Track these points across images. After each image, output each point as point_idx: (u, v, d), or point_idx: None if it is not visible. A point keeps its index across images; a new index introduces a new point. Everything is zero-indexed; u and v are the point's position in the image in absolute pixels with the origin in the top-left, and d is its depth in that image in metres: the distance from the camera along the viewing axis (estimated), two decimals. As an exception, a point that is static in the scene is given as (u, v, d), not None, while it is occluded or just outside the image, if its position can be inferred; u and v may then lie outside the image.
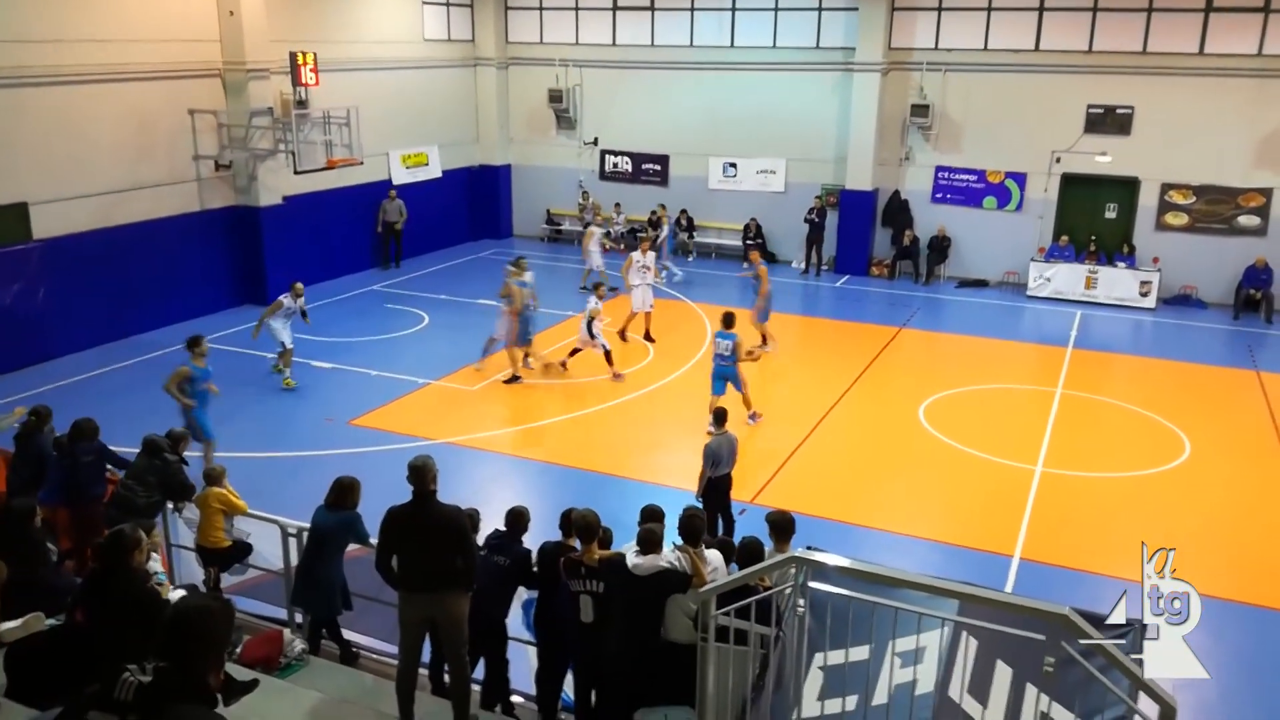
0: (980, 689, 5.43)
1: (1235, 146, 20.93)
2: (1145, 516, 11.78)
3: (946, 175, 23.46)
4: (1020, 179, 22.79)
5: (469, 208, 27.23)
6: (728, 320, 14.32)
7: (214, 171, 19.46)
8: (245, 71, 19.12)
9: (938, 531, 11.55)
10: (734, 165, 25.24)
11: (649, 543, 6.49)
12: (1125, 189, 22.16)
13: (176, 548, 9.25)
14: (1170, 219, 21.83)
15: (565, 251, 25.63)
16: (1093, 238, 22.30)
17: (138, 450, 9.00)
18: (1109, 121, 21.71)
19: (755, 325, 17.41)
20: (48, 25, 16.20)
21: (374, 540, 7.06)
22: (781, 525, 7.32)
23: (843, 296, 22.67)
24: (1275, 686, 8.93)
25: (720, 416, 10.64)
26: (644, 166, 26.29)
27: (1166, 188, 21.71)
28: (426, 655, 7.22)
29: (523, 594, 7.62)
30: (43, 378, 15.71)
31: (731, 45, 24.54)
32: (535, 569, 7.25)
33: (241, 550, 8.90)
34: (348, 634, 8.27)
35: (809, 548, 5.61)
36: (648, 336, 18.39)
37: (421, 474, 6.62)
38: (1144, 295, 21.52)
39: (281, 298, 15.56)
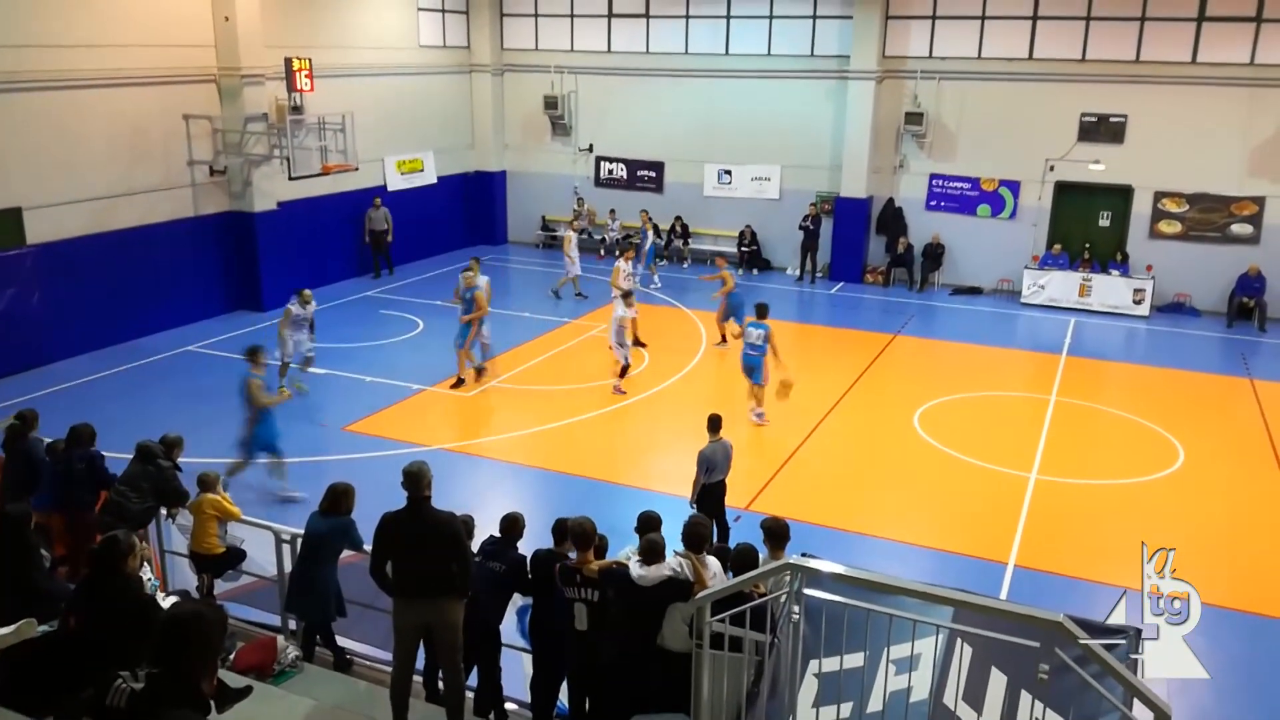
0: (975, 696, 5.44)
1: (1228, 155, 21.01)
2: (1139, 523, 11.78)
3: (941, 183, 23.52)
4: (1014, 187, 22.85)
5: (464, 214, 27.22)
6: (761, 310, 14.82)
7: (209, 177, 19.44)
8: (240, 77, 19.12)
9: (932, 538, 11.56)
10: (729, 172, 25.28)
11: (652, 553, 6.46)
12: (1119, 197, 22.23)
13: (170, 554, 9.21)
14: (1163, 227, 21.90)
15: (561, 258, 25.59)
16: (1086, 245, 22.37)
17: (130, 456, 8.97)
18: (1102, 130, 21.79)
19: (719, 325, 18.27)
20: (42, 30, 16.18)
21: (368, 546, 7.05)
22: (777, 532, 7.31)
23: (837, 304, 22.70)
24: (1269, 693, 8.94)
25: (715, 423, 10.63)
26: (639, 173, 26.32)
27: (1160, 196, 21.78)
28: (421, 662, 7.20)
29: (517, 601, 7.60)
30: (37, 383, 15.67)
31: (726, 53, 24.61)
32: (530, 575, 7.24)
33: (235, 556, 8.87)
34: (342, 640, 8.24)
35: (804, 554, 5.60)
36: (637, 341, 18.33)
37: (416, 480, 6.61)
38: (1138, 303, 21.58)
39: (290, 306, 15.24)
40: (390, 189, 24.21)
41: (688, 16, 24.80)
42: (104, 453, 9.24)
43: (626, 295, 16.58)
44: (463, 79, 26.61)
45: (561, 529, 7.18)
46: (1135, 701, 4.50)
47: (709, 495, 10.41)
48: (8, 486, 9.04)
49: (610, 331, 16.38)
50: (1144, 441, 14.55)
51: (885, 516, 12.15)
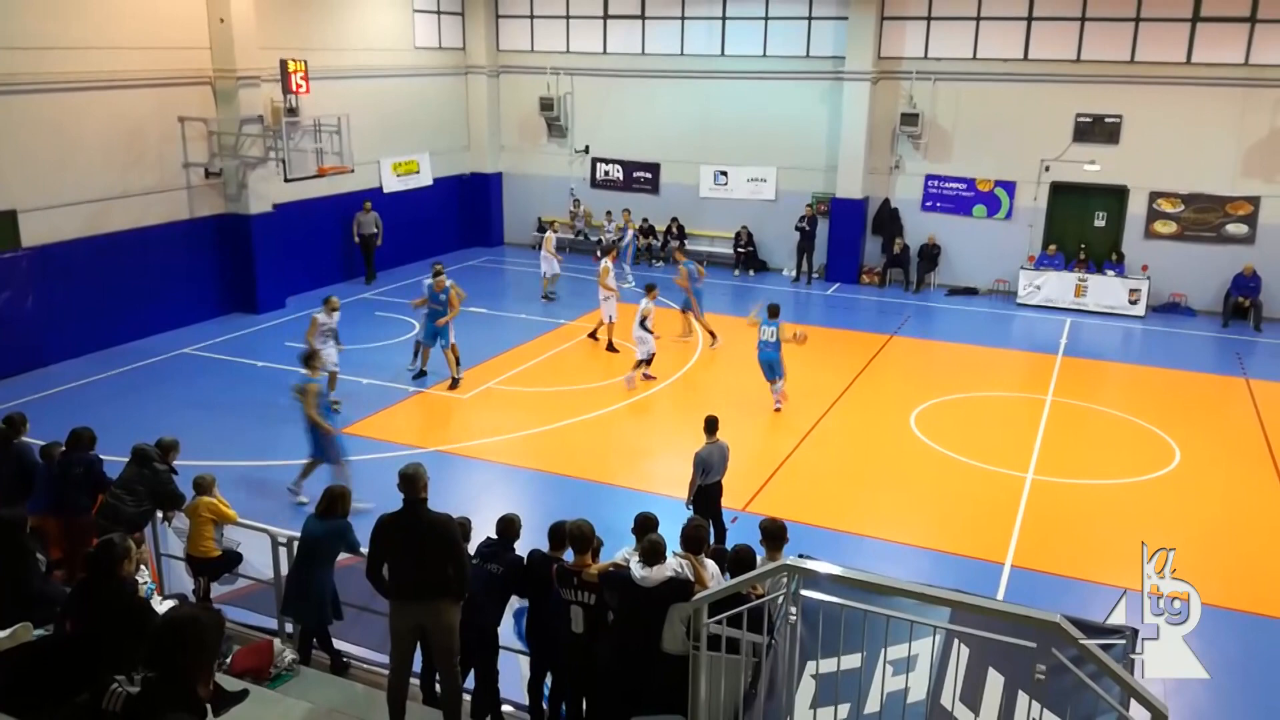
0: (972, 696, 5.44)
1: (1223, 155, 21.06)
2: (1135, 523, 11.80)
3: (936, 184, 23.55)
4: (1010, 187, 22.89)
5: (460, 216, 27.22)
6: (773, 310, 15.37)
7: (204, 179, 19.42)
8: (236, 79, 19.10)
9: (929, 539, 11.57)
10: (725, 173, 25.29)
11: (654, 554, 6.44)
12: (1114, 197, 22.27)
13: (166, 557, 9.19)
14: (1159, 227, 21.94)
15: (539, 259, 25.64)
16: (1082, 246, 22.40)
17: (126, 459, 8.95)
18: (1097, 130, 21.83)
19: (696, 320, 18.85)
20: (37, 32, 16.16)
21: (364, 549, 7.03)
22: (774, 533, 7.31)
23: (833, 304, 22.72)
24: (1266, 692, 8.95)
25: (712, 424, 10.63)
26: (635, 175, 26.33)
27: (1155, 196, 21.83)
28: (418, 665, 7.19)
29: (514, 603, 7.60)
30: (32, 386, 15.64)
31: (722, 54, 24.62)
32: (527, 577, 7.22)
33: (231, 560, 8.85)
34: (338, 643, 8.23)
35: (801, 555, 5.60)
36: (610, 346, 18.39)
37: (412, 482, 6.60)
38: (1133, 303, 21.62)
39: (316, 314, 14.71)
40: (386, 191, 24.21)
41: (683, 18, 24.81)
42: (100, 456, 9.22)
43: (650, 288, 16.82)
44: (458, 81, 26.60)
45: (558, 534, 7.16)
46: (1132, 701, 4.51)
47: (705, 496, 10.42)
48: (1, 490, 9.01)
49: (635, 324, 16.45)
50: (1140, 441, 14.57)
51: (882, 517, 12.16)
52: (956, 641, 5.47)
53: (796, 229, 24.00)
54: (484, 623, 7.20)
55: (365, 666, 8.25)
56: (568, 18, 26.02)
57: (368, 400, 15.64)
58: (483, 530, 7.66)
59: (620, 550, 6.82)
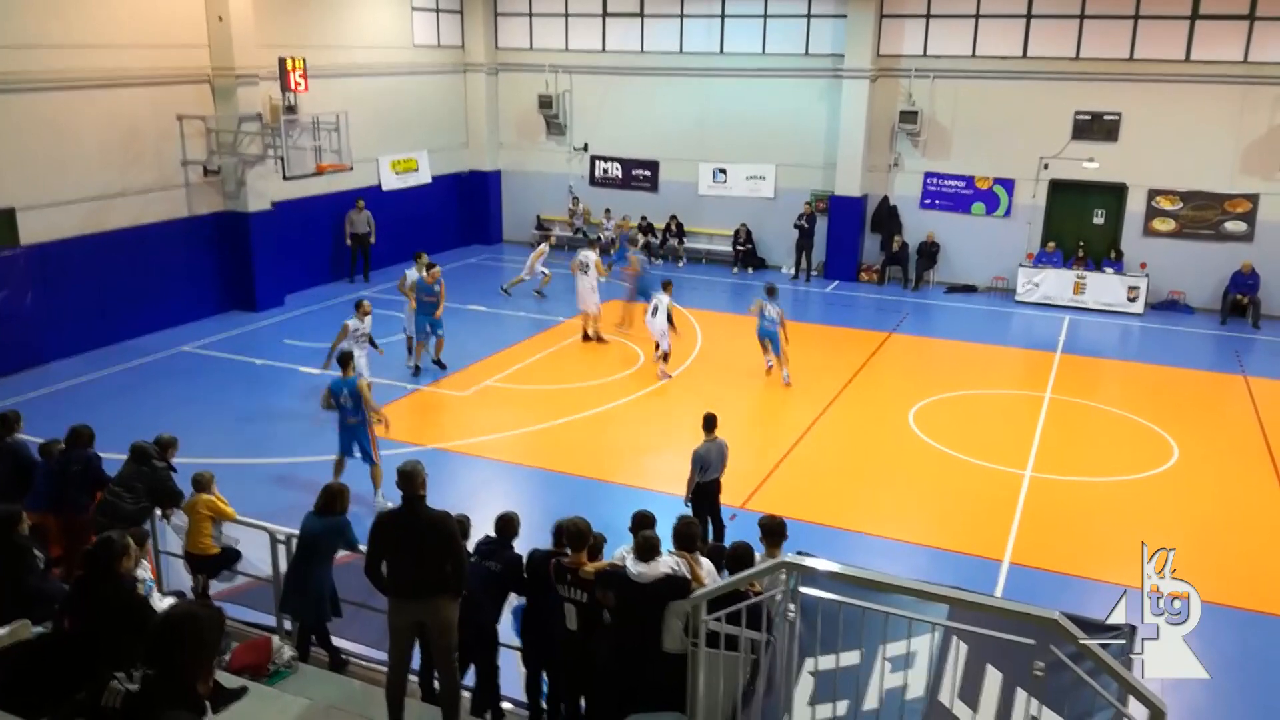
0: (971, 693, 5.44)
1: (1221, 152, 21.06)
2: (1134, 521, 11.82)
3: (935, 181, 23.55)
4: (1008, 185, 22.89)
5: (459, 213, 27.20)
6: (771, 290, 16.58)
7: (202, 177, 19.39)
8: (234, 77, 19.08)
9: (928, 536, 11.57)
10: (723, 171, 25.28)
11: (648, 549, 6.46)
12: (1112, 195, 22.27)
13: (165, 554, 9.19)
14: (1157, 225, 21.95)
15: (556, 257, 25.60)
16: (1081, 243, 22.40)
17: (125, 457, 8.95)
18: (1096, 128, 21.83)
19: (625, 306, 19.11)
20: (35, 30, 16.14)
21: (363, 546, 7.03)
22: (773, 530, 7.32)
23: (832, 302, 22.72)
24: (1263, 690, 8.96)
25: (710, 422, 10.63)
26: (634, 172, 26.32)
27: (1153, 193, 21.83)
28: (416, 662, 7.20)
29: (513, 600, 7.60)
30: (30, 384, 15.63)
31: (721, 52, 24.60)
32: (526, 575, 7.23)
33: (230, 557, 8.86)
34: (337, 640, 8.23)
35: (800, 553, 5.60)
36: (593, 338, 18.67)
37: (410, 479, 6.60)
38: (1131, 300, 21.63)
39: (347, 321, 14.27)
40: (385, 188, 24.19)
41: (682, 15, 24.79)
42: (99, 453, 9.22)
43: (667, 284, 17.09)
44: (457, 78, 26.58)
45: (560, 532, 7.16)
46: (1130, 699, 4.51)
47: (703, 494, 10.42)
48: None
49: (657, 319, 16.60)
50: (1138, 439, 14.58)
51: (881, 514, 12.17)
52: (955, 638, 5.47)
53: (795, 227, 24.00)
54: (483, 620, 7.21)
55: (364, 663, 8.25)
56: (566, 15, 26.00)
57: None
58: (481, 528, 7.66)
59: (619, 548, 6.84)
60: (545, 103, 26.31)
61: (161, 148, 18.60)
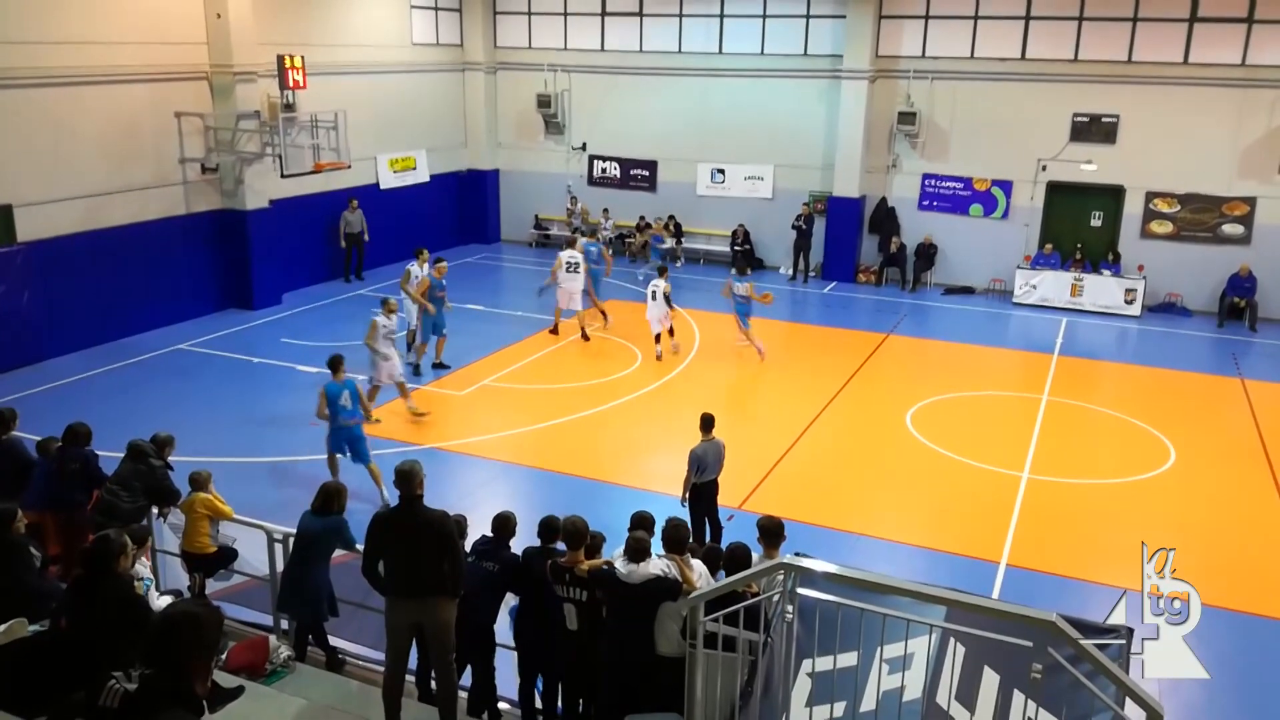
0: (968, 695, 5.45)
1: (1219, 155, 21.09)
2: (1130, 523, 11.83)
3: (933, 183, 23.56)
4: (1006, 187, 22.91)
5: (457, 212, 27.19)
6: (741, 269, 18.21)
7: (200, 175, 19.37)
8: (232, 74, 19.05)
9: (925, 538, 11.58)
10: (722, 171, 25.28)
11: (637, 551, 6.49)
12: (1110, 197, 22.29)
13: (161, 553, 9.18)
14: (1155, 227, 21.97)
15: (554, 257, 25.61)
16: (1078, 245, 22.43)
17: (122, 455, 8.93)
18: (1094, 130, 21.86)
19: (593, 300, 19.41)
20: (33, 27, 16.11)
21: (360, 545, 7.02)
22: (771, 531, 7.32)
23: (830, 303, 22.73)
24: (1261, 692, 8.97)
25: (708, 422, 10.63)
26: (632, 172, 26.31)
27: (1151, 196, 21.86)
28: (413, 662, 7.19)
29: (510, 600, 7.60)
30: (27, 381, 15.60)
31: (720, 52, 24.61)
32: (523, 575, 7.22)
33: (227, 556, 8.84)
34: (334, 640, 8.23)
35: (797, 554, 5.60)
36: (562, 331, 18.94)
37: (408, 479, 6.60)
38: (1129, 303, 21.65)
39: (375, 317, 13.95)
40: (383, 187, 24.18)
41: (681, 15, 24.79)
42: (96, 451, 9.21)
43: (662, 270, 18.23)
44: (456, 77, 26.57)
45: (549, 528, 7.16)
46: (1128, 701, 4.52)
47: (701, 495, 10.41)
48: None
49: (656, 304, 17.39)
50: (1135, 441, 14.60)
51: (878, 516, 12.17)
52: (952, 640, 5.48)
53: (793, 227, 24.01)
54: (480, 620, 7.20)
55: (361, 663, 8.25)
56: (565, 14, 25.99)
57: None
58: (478, 528, 7.66)
59: (618, 549, 6.84)
60: (544, 102, 26.30)
61: (160, 145, 18.58)
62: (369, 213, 23.07)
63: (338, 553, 7.92)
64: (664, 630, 6.36)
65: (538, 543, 7.26)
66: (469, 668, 7.37)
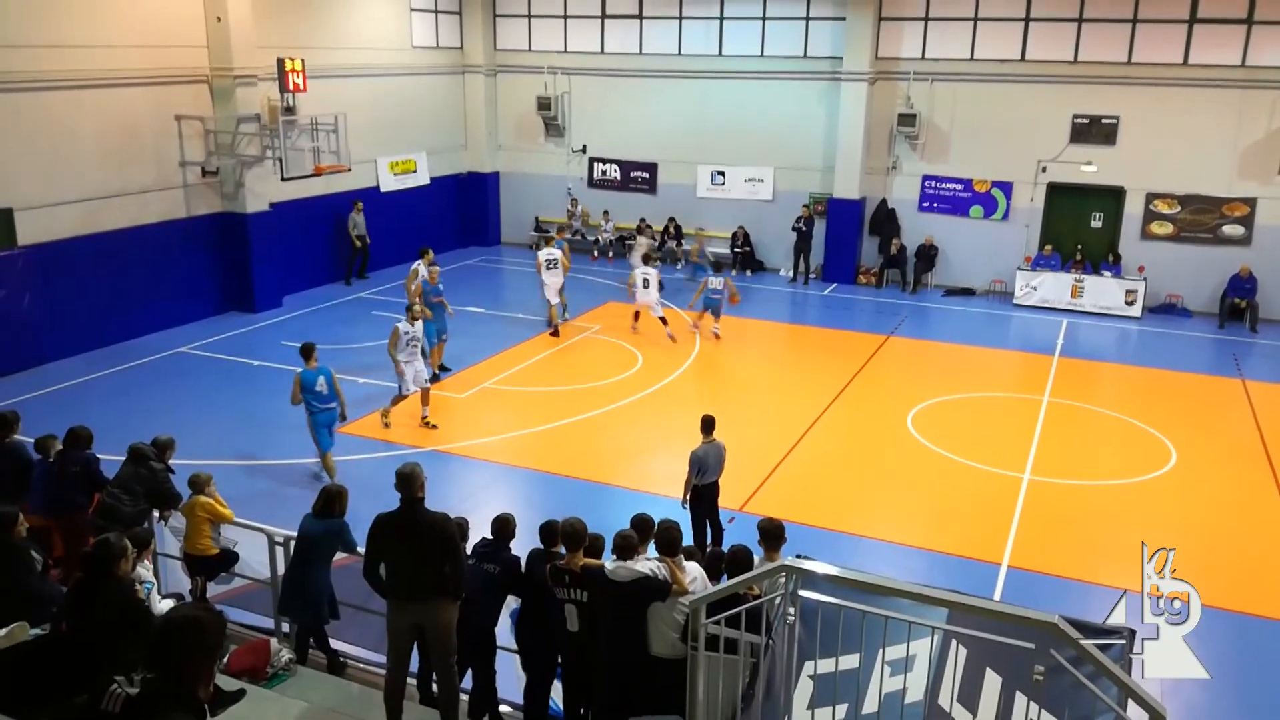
0: (970, 697, 5.45)
1: (1219, 156, 21.09)
2: (1132, 524, 11.82)
3: (933, 184, 23.56)
4: (1006, 188, 22.91)
5: (457, 215, 27.20)
6: (718, 265, 19.66)
7: (201, 178, 19.38)
8: (233, 78, 19.06)
9: (926, 539, 11.58)
10: (722, 173, 25.29)
11: (625, 549, 6.50)
12: (1110, 198, 22.29)
13: (163, 556, 9.18)
14: (1155, 228, 21.97)
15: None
16: (1078, 247, 22.43)
17: (123, 458, 8.93)
18: (1094, 131, 21.86)
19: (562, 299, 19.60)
20: (33, 30, 16.13)
21: (361, 548, 7.02)
22: (772, 533, 7.31)
23: (830, 305, 22.73)
24: (1261, 692, 8.97)
25: (708, 424, 10.63)
26: (632, 174, 26.32)
27: (1151, 197, 21.86)
28: (415, 665, 7.19)
29: (511, 603, 7.60)
30: (28, 385, 15.60)
31: (719, 54, 24.62)
32: (524, 577, 7.22)
33: (228, 559, 8.84)
34: (335, 643, 8.22)
35: (799, 556, 5.60)
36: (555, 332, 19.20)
37: (409, 481, 6.60)
38: (1129, 304, 21.65)
39: (397, 324, 14.02)
40: (383, 190, 24.18)
41: (681, 18, 24.81)
42: (97, 454, 9.20)
43: (646, 257, 19.64)
44: (455, 80, 26.58)
45: (549, 531, 7.17)
46: (1130, 702, 4.51)
47: (701, 497, 10.41)
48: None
49: (649, 290, 18.87)
50: (1136, 442, 14.59)
51: (879, 518, 12.17)
52: (954, 642, 5.47)
53: (794, 229, 24.01)
54: (481, 623, 7.20)
55: (362, 666, 8.24)
56: (565, 17, 26.01)
57: (363, 400, 15.58)
58: (479, 530, 7.66)
59: (614, 551, 6.85)
60: (544, 104, 26.31)
61: (160, 148, 18.59)
62: (369, 216, 23.08)
63: (339, 555, 7.91)
64: (656, 631, 6.36)
65: (539, 545, 7.26)
66: (470, 670, 7.37)
